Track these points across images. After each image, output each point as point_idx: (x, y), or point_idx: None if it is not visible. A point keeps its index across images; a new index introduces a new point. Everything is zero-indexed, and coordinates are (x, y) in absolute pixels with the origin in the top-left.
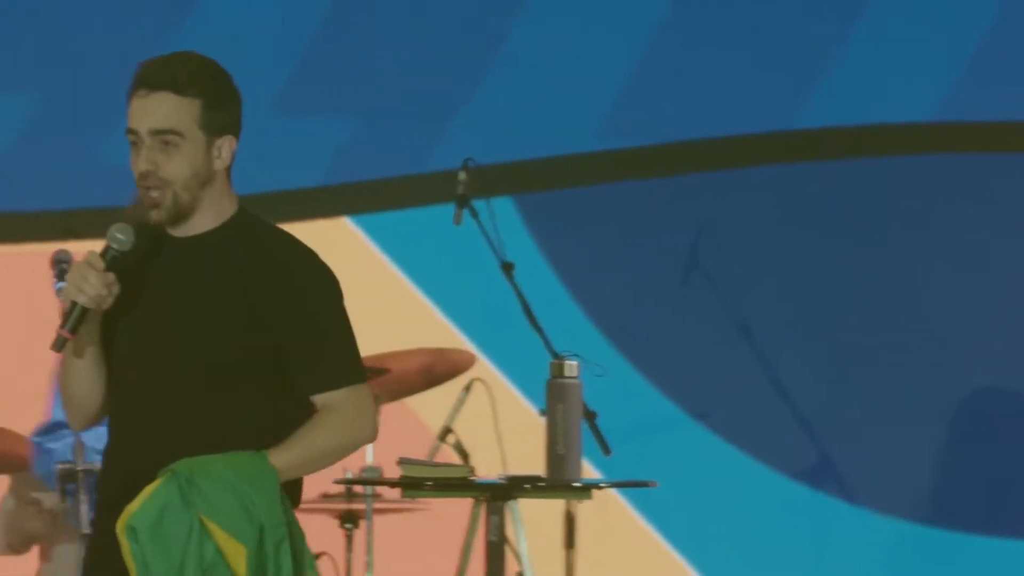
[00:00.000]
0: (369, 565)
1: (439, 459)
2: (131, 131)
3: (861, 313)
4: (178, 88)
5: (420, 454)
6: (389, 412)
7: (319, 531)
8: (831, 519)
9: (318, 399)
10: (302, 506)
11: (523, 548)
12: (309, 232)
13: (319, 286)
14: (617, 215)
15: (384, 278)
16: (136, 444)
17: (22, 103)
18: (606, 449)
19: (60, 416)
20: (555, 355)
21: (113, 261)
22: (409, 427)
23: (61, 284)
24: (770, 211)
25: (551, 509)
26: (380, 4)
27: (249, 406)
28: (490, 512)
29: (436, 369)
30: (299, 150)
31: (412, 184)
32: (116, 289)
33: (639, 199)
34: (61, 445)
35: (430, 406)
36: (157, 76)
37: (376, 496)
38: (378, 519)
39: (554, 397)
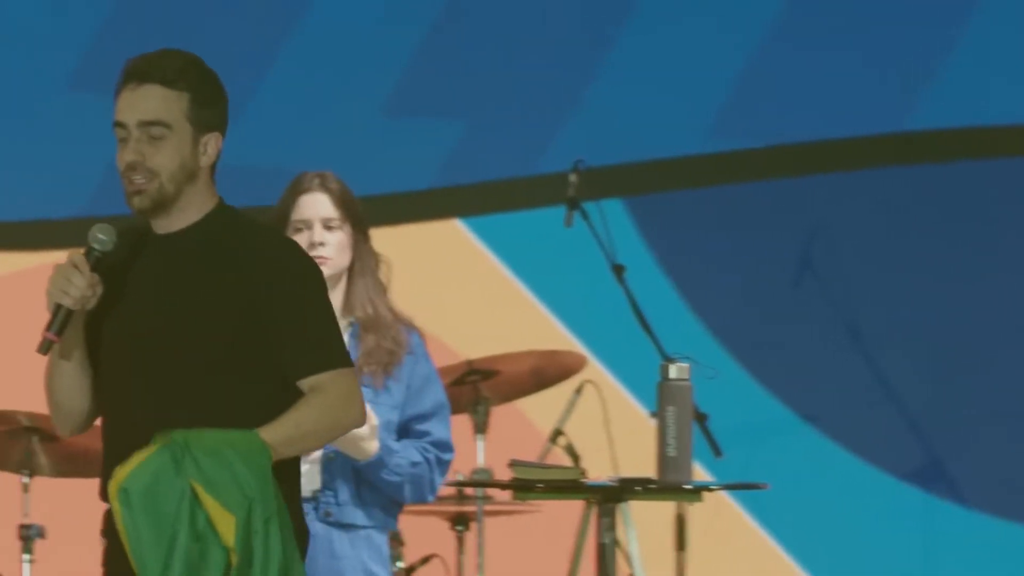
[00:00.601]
0: (480, 567)
1: (550, 461)
2: (119, 124)
3: (972, 315)
4: (167, 81)
5: (531, 456)
6: (499, 414)
7: (430, 533)
8: (941, 521)
9: (305, 383)
10: (414, 508)
11: (634, 550)
12: (420, 234)
13: (301, 275)
14: (728, 217)
15: (495, 280)
16: (134, 444)
17: None
18: (717, 451)
19: None
20: (666, 357)
21: (96, 262)
22: (520, 429)
23: None
24: (881, 213)
25: (662, 511)
26: (490, 6)
27: (243, 398)
28: (601, 514)
29: (547, 371)
30: (410, 152)
31: (523, 186)
32: (99, 290)
33: (750, 201)
34: None
35: (541, 408)
36: (146, 69)
37: (487, 498)
38: (489, 521)
39: (665, 399)
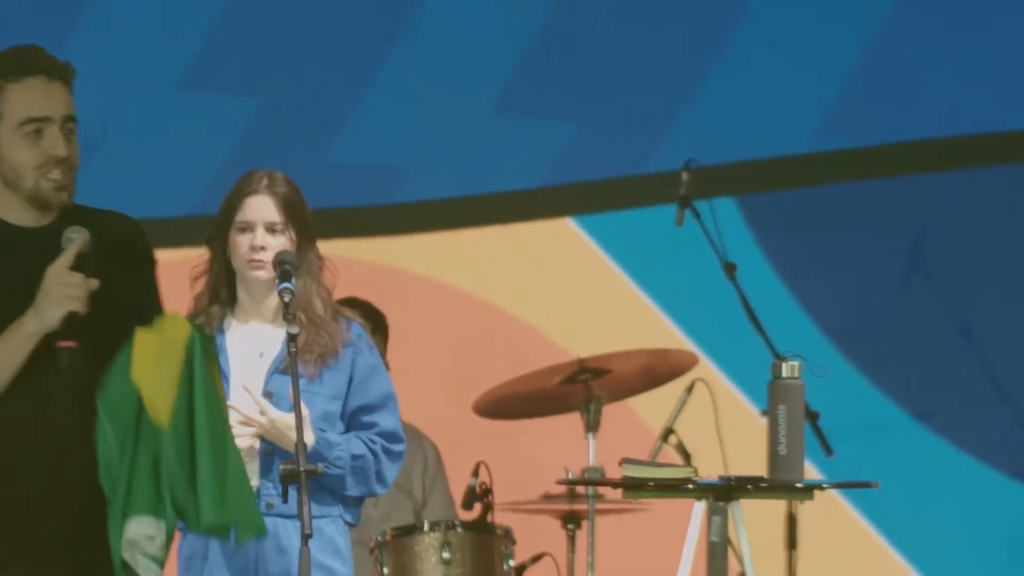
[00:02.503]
0: (591, 565)
1: (661, 459)
2: (40, 119)
3: None
4: (64, 77)
5: (642, 455)
6: (611, 412)
7: (541, 531)
8: None
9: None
10: (525, 507)
11: (745, 549)
12: (532, 233)
13: (150, 259)
14: (839, 216)
15: (606, 278)
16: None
17: (249, 105)
18: (828, 450)
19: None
20: (777, 355)
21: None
22: (631, 428)
23: (284, 285)
24: (993, 212)
25: (773, 510)
26: (601, 6)
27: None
28: (712, 513)
29: (658, 370)
30: (522, 152)
31: (634, 185)
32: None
33: (861, 200)
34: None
35: (652, 407)
36: (51, 65)
37: (598, 497)
38: (600, 520)
39: (776, 397)
